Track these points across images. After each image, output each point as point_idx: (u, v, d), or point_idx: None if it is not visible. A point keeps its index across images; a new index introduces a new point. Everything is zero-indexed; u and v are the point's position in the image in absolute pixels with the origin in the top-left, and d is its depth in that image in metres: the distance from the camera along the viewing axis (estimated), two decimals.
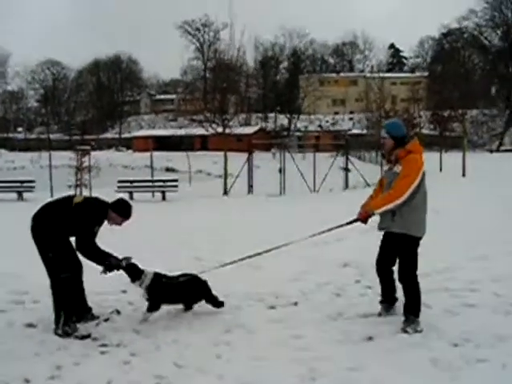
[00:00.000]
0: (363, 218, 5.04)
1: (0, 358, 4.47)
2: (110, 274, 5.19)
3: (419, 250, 4.99)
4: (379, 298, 5.39)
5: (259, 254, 5.81)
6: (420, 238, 4.95)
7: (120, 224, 5.30)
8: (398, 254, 4.99)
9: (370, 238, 8.40)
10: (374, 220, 5.15)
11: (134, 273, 5.20)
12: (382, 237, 5.22)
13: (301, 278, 6.88)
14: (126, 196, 18.97)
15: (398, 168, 4.95)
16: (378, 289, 5.42)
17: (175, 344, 4.73)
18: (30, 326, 5.24)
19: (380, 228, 5.16)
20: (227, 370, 4.20)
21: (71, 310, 5.04)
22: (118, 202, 5.27)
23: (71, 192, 18.10)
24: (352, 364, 4.21)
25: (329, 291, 6.27)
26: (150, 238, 10.04)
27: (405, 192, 4.75)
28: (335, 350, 4.51)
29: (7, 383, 4.04)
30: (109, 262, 5.07)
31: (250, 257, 5.82)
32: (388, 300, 5.29)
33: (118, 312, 5.55)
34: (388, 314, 5.25)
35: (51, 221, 5.03)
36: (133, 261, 5.28)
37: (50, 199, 5.52)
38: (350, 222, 5.23)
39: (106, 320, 5.34)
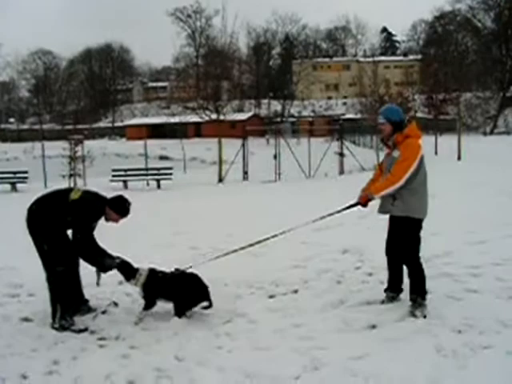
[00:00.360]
0: (363, 201, 5.03)
1: None
2: (104, 275, 5.11)
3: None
4: (384, 286, 5.31)
5: (259, 242, 5.73)
6: (422, 220, 4.93)
7: (117, 221, 5.20)
8: (401, 237, 4.95)
9: (369, 222, 8.39)
10: (374, 204, 5.08)
11: (128, 272, 5.07)
12: (388, 222, 5.17)
13: (301, 265, 6.81)
14: (120, 185, 19.01)
15: (395, 153, 4.97)
16: (379, 275, 5.33)
17: (175, 336, 4.65)
18: (26, 320, 5.16)
19: (380, 211, 5.14)
20: (228, 361, 4.14)
21: (68, 304, 4.94)
22: (115, 200, 5.15)
23: (65, 182, 17.95)
24: (355, 353, 4.15)
25: (329, 278, 6.18)
26: (145, 227, 9.93)
27: (402, 176, 4.78)
28: (337, 339, 4.45)
29: (4, 379, 3.96)
30: (102, 264, 4.95)
31: (242, 248, 5.73)
32: (393, 289, 5.21)
33: (116, 304, 5.47)
34: (391, 302, 5.18)
35: (46, 215, 4.91)
36: (127, 259, 5.14)
37: (45, 191, 5.38)
38: (351, 206, 5.22)
39: (104, 312, 5.25)
